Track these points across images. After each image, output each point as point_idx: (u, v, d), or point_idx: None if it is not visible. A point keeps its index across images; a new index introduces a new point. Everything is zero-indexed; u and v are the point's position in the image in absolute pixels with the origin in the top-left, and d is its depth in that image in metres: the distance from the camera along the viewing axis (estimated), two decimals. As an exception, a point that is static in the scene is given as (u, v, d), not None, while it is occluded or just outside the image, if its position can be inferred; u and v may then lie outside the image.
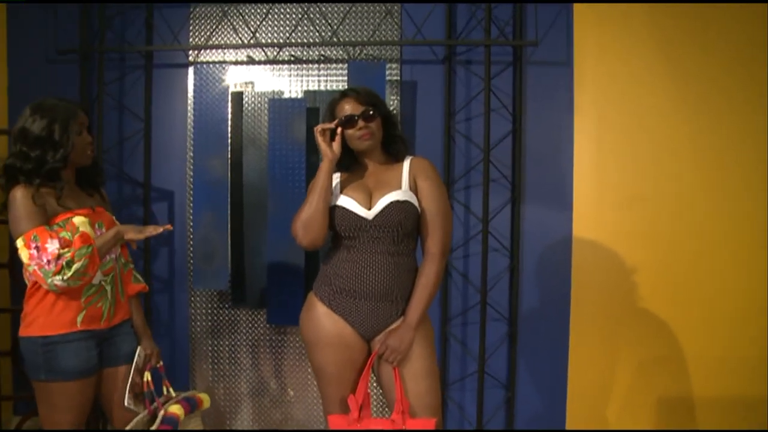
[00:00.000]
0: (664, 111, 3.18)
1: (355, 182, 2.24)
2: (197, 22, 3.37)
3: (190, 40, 3.36)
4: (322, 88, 3.31)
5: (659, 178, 3.19)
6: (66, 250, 2.01)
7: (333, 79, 3.31)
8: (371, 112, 2.18)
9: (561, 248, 3.25)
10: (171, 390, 2.41)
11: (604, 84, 3.22)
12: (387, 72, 3.25)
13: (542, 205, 3.27)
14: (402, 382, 2.10)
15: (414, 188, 2.19)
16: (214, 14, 3.36)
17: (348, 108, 2.20)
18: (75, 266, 2.00)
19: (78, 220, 2.10)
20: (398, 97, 3.27)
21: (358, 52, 3.28)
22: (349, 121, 2.18)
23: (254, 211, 3.31)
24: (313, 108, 3.26)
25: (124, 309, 2.31)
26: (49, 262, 1.98)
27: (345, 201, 2.18)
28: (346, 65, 3.23)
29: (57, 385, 2.09)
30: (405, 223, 2.12)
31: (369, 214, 2.14)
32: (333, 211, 2.19)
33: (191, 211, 3.33)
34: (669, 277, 3.17)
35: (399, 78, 3.28)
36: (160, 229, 2.16)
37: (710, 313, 3.14)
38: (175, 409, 2.30)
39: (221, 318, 3.40)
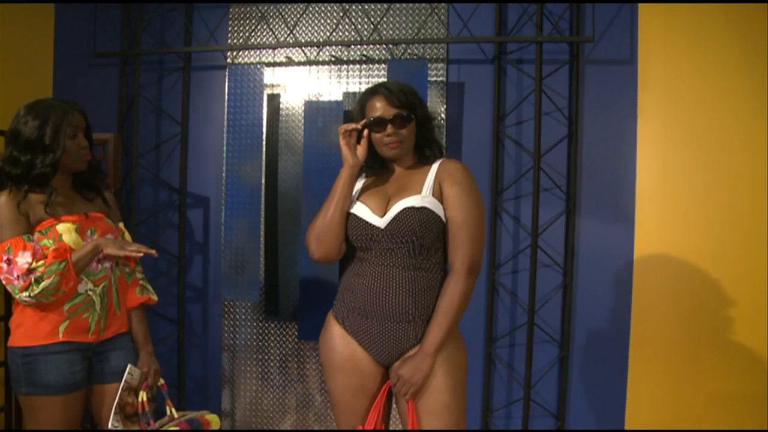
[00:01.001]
0: (739, 116, 2.83)
1: (375, 187, 2.02)
2: (236, 23, 3.25)
3: (228, 41, 3.25)
4: (363, 89, 3.12)
5: (733, 191, 2.83)
6: (39, 263, 1.90)
7: (374, 80, 3.12)
8: (404, 115, 1.94)
9: (621, 266, 2.95)
10: (173, 411, 2.24)
11: (671, 85, 2.89)
12: (432, 72, 3.04)
13: (600, 218, 2.97)
14: (417, 417, 1.86)
15: (438, 194, 1.93)
16: (253, 14, 3.23)
17: (379, 107, 1.95)
18: (43, 284, 1.89)
19: (62, 227, 1.98)
20: (444, 99, 3.04)
21: (402, 51, 3.08)
22: (377, 124, 1.95)
23: (289, 219, 3.16)
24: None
25: (120, 322, 2.16)
26: (18, 277, 1.87)
27: (358, 208, 1.97)
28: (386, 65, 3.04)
29: (39, 399, 1.96)
30: (420, 232, 1.86)
31: (381, 222, 1.91)
32: (348, 218, 1.98)
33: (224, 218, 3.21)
34: (744, 302, 2.81)
35: (445, 79, 3.06)
36: (142, 253, 2.03)
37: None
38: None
39: (255, 330, 3.26)
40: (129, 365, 2.12)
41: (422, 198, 1.90)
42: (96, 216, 2.10)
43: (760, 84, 2.80)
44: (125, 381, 2.10)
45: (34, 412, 1.98)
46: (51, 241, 1.96)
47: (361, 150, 1.97)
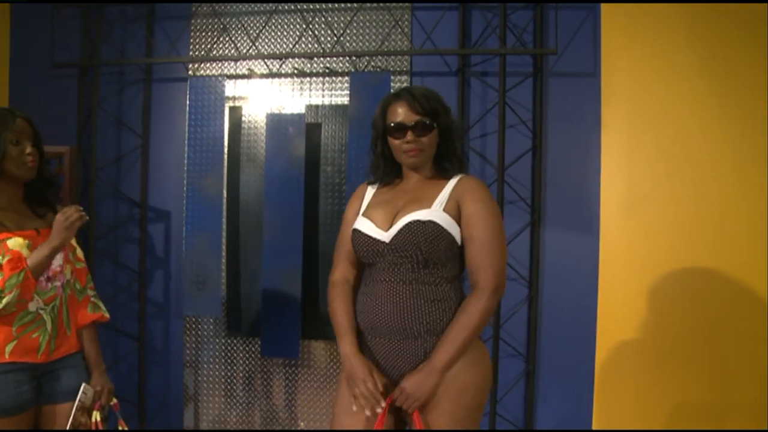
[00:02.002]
0: (704, 128, 2.82)
1: (384, 200, 1.93)
2: (197, 34, 3.21)
3: (190, 53, 3.20)
4: (326, 102, 3.09)
5: (698, 201, 2.83)
6: None
7: (337, 93, 3.09)
8: (426, 123, 1.85)
9: (586, 278, 2.93)
10: (125, 429, 2.16)
11: (634, 96, 2.89)
12: (396, 85, 3.02)
13: (565, 230, 2.96)
14: None
15: (454, 211, 1.84)
16: (215, 26, 3.19)
17: (400, 113, 1.86)
18: (5, 300, 1.82)
19: (13, 242, 1.90)
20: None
21: (365, 63, 3.06)
22: (398, 130, 1.86)
23: (251, 233, 3.11)
24: (314, 123, 3.04)
25: (70, 342, 2.08)
26: None
27: (362, 223, 1.89)
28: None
29: None
30: (426, 247, 1.77)
31: (386, 236, 1.83)
32: (352, 234, 1.91)
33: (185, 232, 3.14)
34: (709, 313, 2.81)
35: (409, 91, 3.03)
36: (80, 210, 1.97)
37: (757, 353, 2.76)
38: None
39: (218, 346, 3.19)
40: (83, 384, 2.04)
41: (431, 212, 1.81)
42: (48, 233, 2.00)
43: (724, 92, 2.81)
44: (79, 400, 2.01)
45: None
46: (1, 257, 1.88)
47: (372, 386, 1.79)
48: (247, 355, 3.17)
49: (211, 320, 3.19)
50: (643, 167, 2.89)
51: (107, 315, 2.21)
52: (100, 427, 2.05)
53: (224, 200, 3.08)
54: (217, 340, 3.19)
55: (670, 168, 2.87)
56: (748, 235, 2.78)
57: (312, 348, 3.11)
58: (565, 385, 2.96)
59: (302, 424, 3.12)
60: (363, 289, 1.91)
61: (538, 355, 2.97)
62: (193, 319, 3.21)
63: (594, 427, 2.92)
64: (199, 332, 3.21)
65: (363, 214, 1.92)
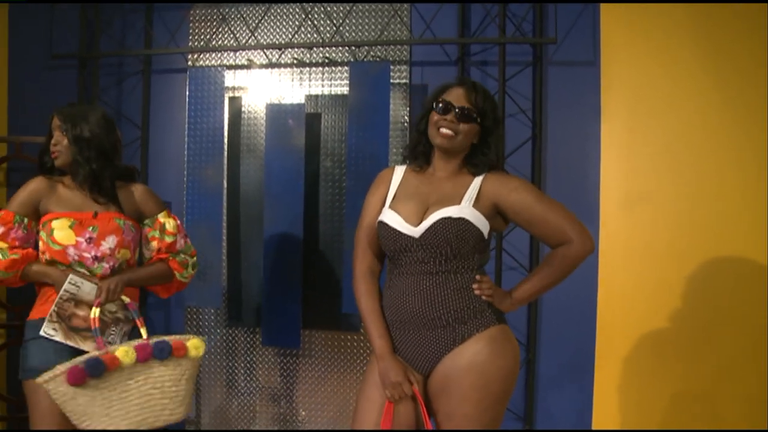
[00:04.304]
0: (705, 117, 2.82)
1: (411, 192, 1.92)
2: (196, 25, 3.21)
3: (189, 43, 3.20)
4: (326, 92, 3.10)
5: (699, 191, 2.83)
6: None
7: (336, 83, 3.09)
8: (471, 114, 1.85)
9: (586, 266, 2.85)
10: (143, 332, 2.08)
11: (634, 85, 2.88)
12: (395, 74, 3.01)
13: (565, 219, 2.96)
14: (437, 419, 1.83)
15: (485, 208, 1.85)
16: (214, 17, 3.18)
17: (454, 95, 1.86)
18: None
19: (57, 222, 2.08)
20: (407, 101, 3.02)
21: (364, 53, 3.06)
22: (443, 105, 1.85)
23: (251, 223, 3.13)
24: (314, 113, 3.04)
25: None
26: None
27: (389, 216, 1.88)
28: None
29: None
30: (456, 243, 1.80)
31: (415, 232, 1.83)
32: (378, 226, 1.91)
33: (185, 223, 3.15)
34: (709, 305, 2.81)
35: (408, 81, 3.03)
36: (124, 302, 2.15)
37: (757, 345, 2.76)
38: (120, 352, 1.94)
39: (219, 337, 3.21)
40: (71, 275, 2.05)
41: (461, 209, 1.83)
42: (105, 215, 2.13)
43: (724, 82, 2.80)
44: (64, 290, 2.02)
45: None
46: (45, 235, 2.09)
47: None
48: (248, 345, 3.19)
49: (212, 310, 3.20)
50: (644, 158, 2.89)
51: (182, 279, 2.29)
52: (97, 325, 2.01)
53: (224, 191, 3.09)
54: (218, 330, 3.21)
55: (670, 159, 2.86)
56: (749, 228, 2.78)
57: (313, 338, 3.12)
58: (566, 374, 2.97)
59: (303, 413, 3.14)
60: (388, 283, 1.91)
61: (539, 343, 2.98)
62: (195, 310, 3.22)
63: (594, 417, 2.94)
64: (200, 322, 3.22)
65: (390, 207, 1.91)
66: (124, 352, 1.95)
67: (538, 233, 1.90)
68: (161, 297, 2.39)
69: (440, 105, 1.86)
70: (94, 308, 2.03)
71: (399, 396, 1.80)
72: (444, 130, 1.85)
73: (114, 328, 2.10)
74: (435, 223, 1.81)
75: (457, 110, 1.84)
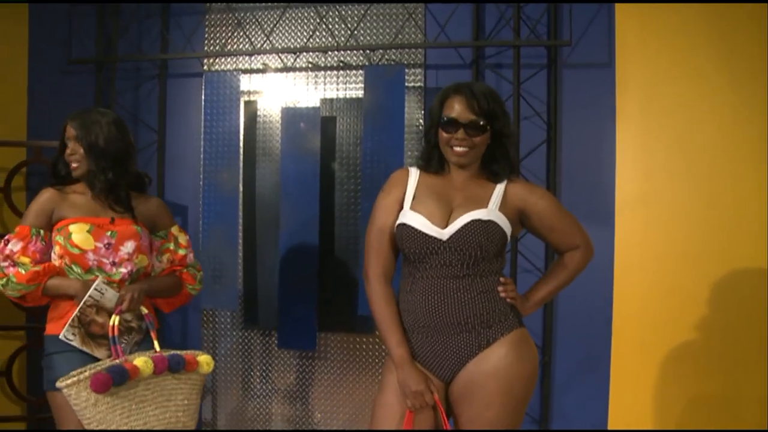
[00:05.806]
0: (721, 118, 2.81)
1: (434, 194, 1.88)
2: (212, 29, 3.24)
3: (205, 48, 3.23)
4: (341, 95, 3.12)
5: (714, 194, 2.82)
6: (15, 269, 2.05)
7: (351, 86, 3.11)
8: (480, 124, 1.81)
9: (601, 271, 2.92)
10: (156, 344, 2.09)
11: (649, 87, 2.88)
12: (410, 78, 3.02)
13: (580, 222, 2.95)
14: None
15: (510, 213, 1.87)
16: (229, 21, 3.21)
17: (456, 109, 1.82)
18: (8, 289, 2.07)
19: (74, 226, 2.09)
20: (422, 105, 3.03)
21: (379, 57, 3.07)
22: (449, 125, 1.82)
23: (267, 226, 3.15)
24: (329, 117, 3.06)
25: None
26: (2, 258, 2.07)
27: (413, 218, 1.83)
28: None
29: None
30: (486, 245, 1.80)
31: (443, 234, 1.81)
32: (398, 229, 1.86)
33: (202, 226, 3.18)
34: (725, 306, 2.80)
35: (423, 84, 3.04)
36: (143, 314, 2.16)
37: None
38: (140, 362, 1.95)
39: (236, 339, 3.23)
40: (99, 280, 2.06)
41: (489, 212, 1.83)
42: (122, 222, 2.17)
43: (738, 82, 2.79)
44: (89, 295, 2.03)
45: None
46: (62, 238, 2.09)
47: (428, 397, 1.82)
48: (264, 348, 3.21)
49: (229, 313, 3.22)
50: (659, 159, 2.89)
51: (191, 292, 2.34)
52: (115, 333, 2.02)
53: (240, 194, 3.11)
54: (235, 333, 3.23)
55: (686, 161, 2.86)
56: (765, 228, 2.77)
57: (328, 340, 3.14)
58: (582, 376, 2.97)
59: (319, 415, 3.15)
60: (408, 287, 1.88)
61: (555, 345, 2.98)
62: (211, 312, 3.25)
63: (610, 418, 2.93)
64: (217, 325, 3.25)
65: (412, 208, 1.87)
66: (144, 362, 1.96)
67: (554, 238, 1.98)
68: (163, 311, 2.39)
69: (447, 124, 1.83)
70: (114, 316, 2.04)
71: (420, 405, 1.79)
72: (457, 149, 1.84)
73: (126, 337, 2.12)
74: (465, 225, 1.80)
75: (464, 125, 1.82)
